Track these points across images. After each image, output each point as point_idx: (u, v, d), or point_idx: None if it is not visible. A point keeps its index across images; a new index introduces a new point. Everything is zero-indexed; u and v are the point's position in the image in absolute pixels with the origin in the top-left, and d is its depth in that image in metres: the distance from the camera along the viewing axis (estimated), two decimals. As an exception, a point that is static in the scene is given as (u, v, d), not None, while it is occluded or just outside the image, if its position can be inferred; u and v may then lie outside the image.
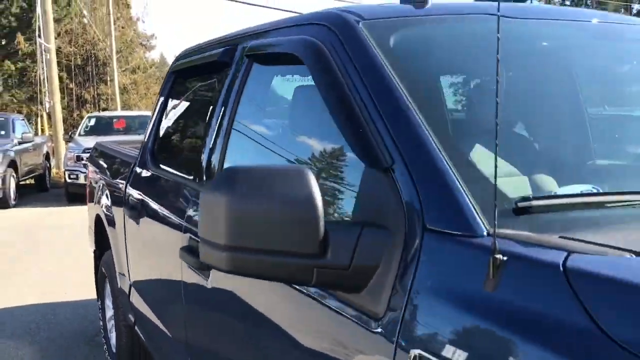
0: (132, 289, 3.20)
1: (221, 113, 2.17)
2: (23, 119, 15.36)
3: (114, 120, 14.53)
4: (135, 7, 45.99)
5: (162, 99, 3.20)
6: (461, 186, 1.18)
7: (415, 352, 1.05)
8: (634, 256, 0.95)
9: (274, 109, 2.25)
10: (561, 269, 0.92)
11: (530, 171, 1.43)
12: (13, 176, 12.05)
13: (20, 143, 12.76)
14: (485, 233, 1.10)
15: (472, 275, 1.05)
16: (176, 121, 3.17)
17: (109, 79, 33.60)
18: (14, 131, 12.90)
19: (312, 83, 1.65)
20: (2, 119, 13.43)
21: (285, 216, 1.18)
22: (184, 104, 3.10)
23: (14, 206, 11.84)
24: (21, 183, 13.03)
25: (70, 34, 31.81)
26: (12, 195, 11.98)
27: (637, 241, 1.04)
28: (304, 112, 1.93)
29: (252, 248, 1.20)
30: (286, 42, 1.87)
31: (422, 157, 1.25)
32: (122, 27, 36.42)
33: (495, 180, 1.01)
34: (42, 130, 26.60)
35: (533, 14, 1.95)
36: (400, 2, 1.88)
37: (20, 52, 28.81)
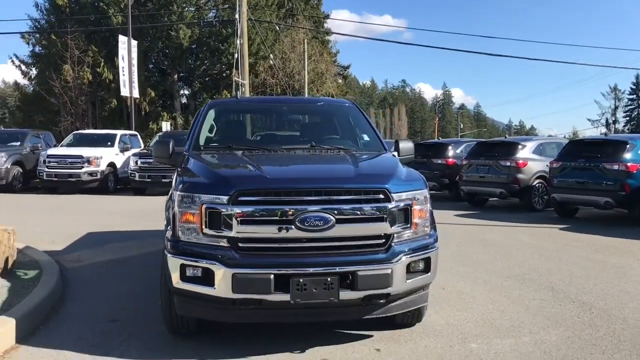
0: None
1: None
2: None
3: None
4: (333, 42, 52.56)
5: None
6: (199, 143, 5.49)
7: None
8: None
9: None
10: (191, 155, 5.17)
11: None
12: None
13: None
14: (190, 152, 5.38)
15: (186, 163, 5.29)
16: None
17: (301, 105, 39.97)
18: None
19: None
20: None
21: (164, 148, 5.56)
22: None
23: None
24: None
25: (273, 69, 38.82)
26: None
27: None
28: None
29: (157, 156, 5.62)
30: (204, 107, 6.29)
31: (191, 140, 5.57)
32: (316, 62, 42.89)
33: (195, 143, 5.37)
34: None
35: (260, 102, 6.16)
36: (233, 97, 6.24)
37: (234, 83, 36.39)
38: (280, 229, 4.00)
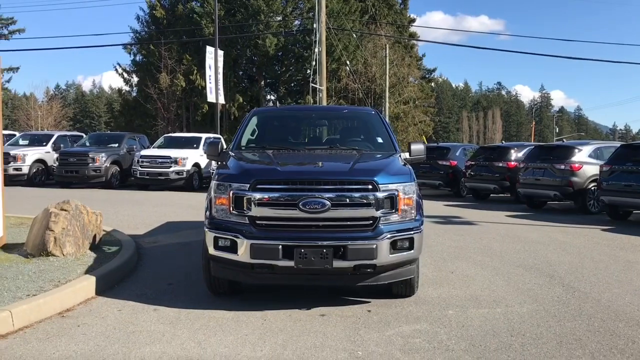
0: None
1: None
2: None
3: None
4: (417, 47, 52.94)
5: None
6: (240, 144, 6.75)
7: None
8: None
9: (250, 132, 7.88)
10: (232, 153, 6.43)
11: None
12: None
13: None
14: (232, 150, 6.63)
15: (227, 160, 6.55)
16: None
17: (382, 109, 40.98)
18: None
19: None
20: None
21: (214, 148, 6.82)
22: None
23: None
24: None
25: (355, 74, 40.04)
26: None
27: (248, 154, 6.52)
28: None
29: (209, 154, 6.90)
30: (249, 114, 7.55)
31: (235, 141, 6.84)
32: (398, 66, 43.66)
33: (238, 144, 6.62)
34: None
35: (294, 110, 7.32)
36: (274, 105, 7.51)
37: (311, 89, 37.96)
38: (287, 210, 5.14)
